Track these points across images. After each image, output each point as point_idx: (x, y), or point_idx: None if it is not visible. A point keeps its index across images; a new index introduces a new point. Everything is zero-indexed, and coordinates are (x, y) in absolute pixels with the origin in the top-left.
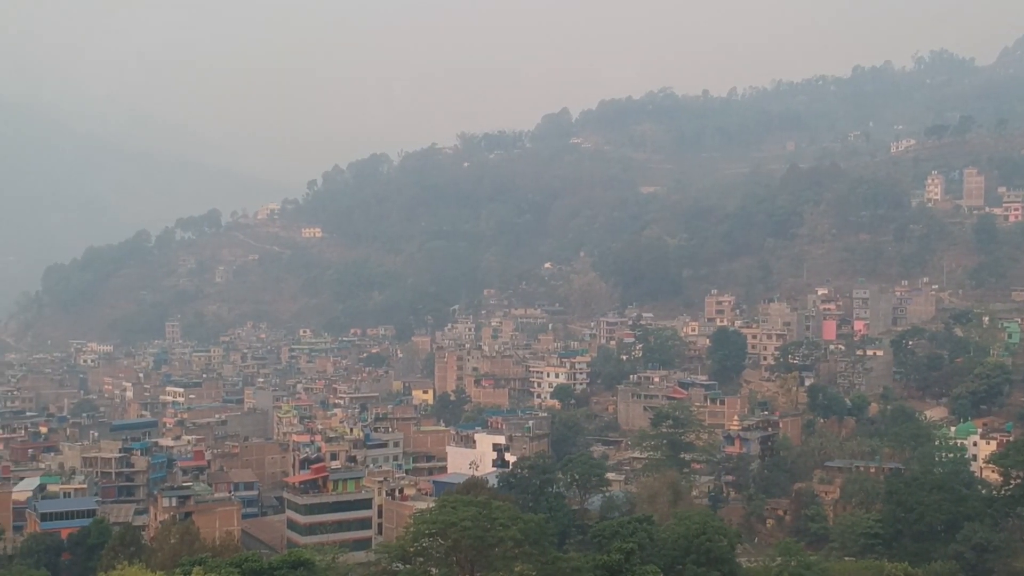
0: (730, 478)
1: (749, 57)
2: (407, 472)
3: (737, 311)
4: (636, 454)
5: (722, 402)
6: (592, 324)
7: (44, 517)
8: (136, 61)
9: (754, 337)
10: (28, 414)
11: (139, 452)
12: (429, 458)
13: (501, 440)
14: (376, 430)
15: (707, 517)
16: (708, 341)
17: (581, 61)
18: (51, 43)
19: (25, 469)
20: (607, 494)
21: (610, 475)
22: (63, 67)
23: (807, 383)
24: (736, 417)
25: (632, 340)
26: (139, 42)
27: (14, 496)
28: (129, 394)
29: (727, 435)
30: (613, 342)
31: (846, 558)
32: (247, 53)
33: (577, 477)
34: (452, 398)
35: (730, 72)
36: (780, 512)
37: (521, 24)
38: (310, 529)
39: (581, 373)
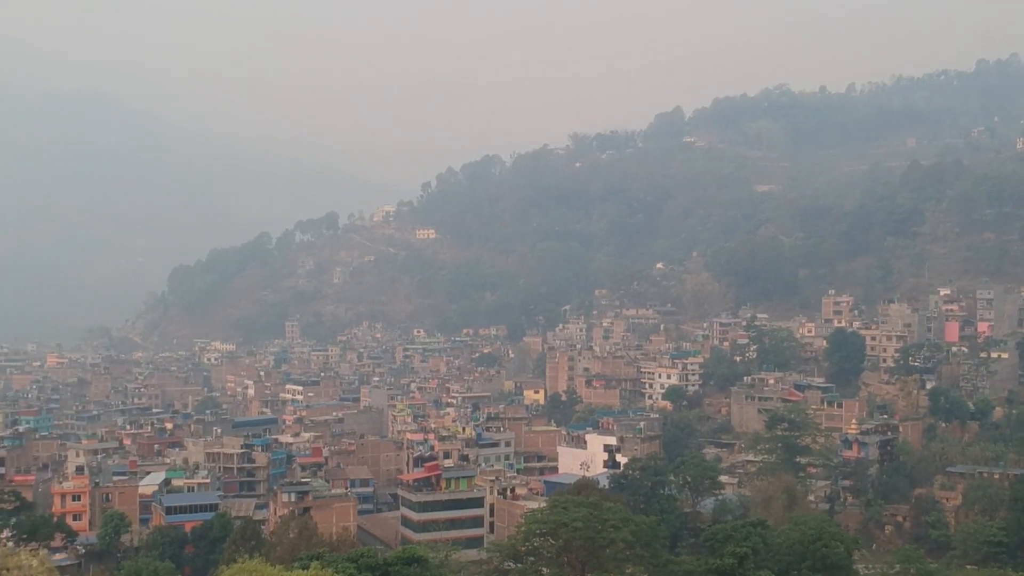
0: (847, 483)
1: (868, 52)
2: (518, 472)
3: (855, 312)
4: (750, 457)
5: (839, 405)
6: (705, 325)
7: (169, 510)
8: (255, 69)
9: (873, 339)
10: (154, 411)
11: (260, 448)
12: (540, 458)
13: (612, 441)
14: (488, 429)
15: (823, 522)
16: (825, 342)
17: (695, 59)
18: (172, 51)
19: (151, 464)
20: (720, 497)
21: (723, 478)
22: (185, 75)
23: (928, 386)
24: (854, 420)
25: (746, 341)
26: (257, 51)
27: (141, 490)
28: (250, 392)
29: (844, 439)
30: (726, 343)
31: (968, 567)
32: (364, 60)
33: (689, 479)
34: (563, 398)
35: (848, 67)
36: (899, 518)
37: (632, 24)
38: (423, 526)
39: (693, 374)
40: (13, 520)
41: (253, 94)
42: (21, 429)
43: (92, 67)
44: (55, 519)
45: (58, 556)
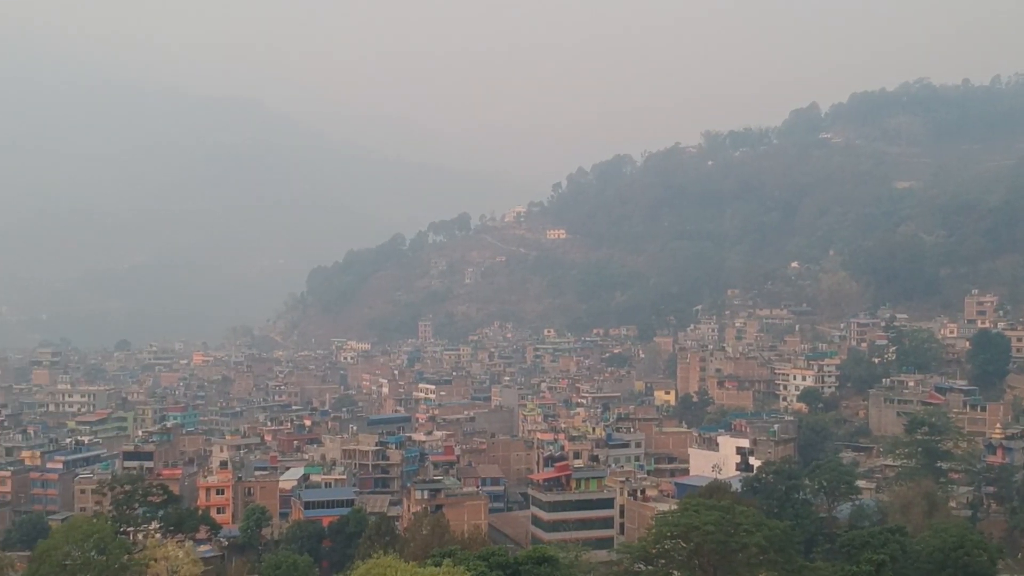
0: (991, 489)
1: (1014, 42)
2: (649, 473)
3: (1000, 312)
4: (888, 461)
5: (983, 408)
6: (842, 325)
7: (307, 505)
8: (392, 75)
9: (1019, 340)
10: (294, 408)
11: (394, 446)
12: (671, 459)
13: (745, 443)
14: (618, 430)
15: (965, 530)
16: (968, 344)
17: (831, 54)
18: (314, 58)
19: (291, 459)
20: (857, 502)
21: (860, 482)
22: (326, 81)
23: None
24: (999, 425)
25: (885, 342)
26: (390, 49)
27: (281, 485)
28: (385, 390)
29: (988, 444)
30: (864, 344)
31: None
32: (495, 64)
33: (825, 484)
34: (694, 399)
35: (993, 59)
36: None
37: (766, 20)
38: (553, 526)
39: (830, 376)
40: (161, 512)
41: (390, 100)
42: (169, 425)
43: (240, 73)
44: (200, 512)
45: (203, 548)
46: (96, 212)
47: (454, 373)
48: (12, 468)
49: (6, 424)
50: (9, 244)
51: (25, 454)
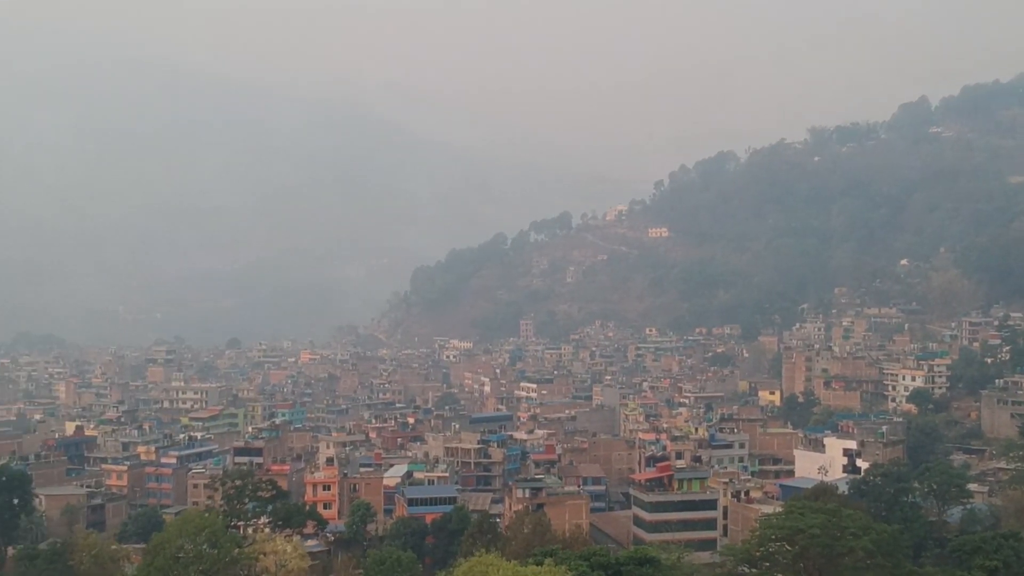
0: None
1: None
2: (753, 474)
3: None
4: (1002, 464)
5: None
6: (953, 324)
7: (411, 502)
8: (489, 76)
9: None
10: (397, 406)
11: (496, 444)
12: (776, 461)
13: (852, 445)
14: (721, 430)
15: None
16: None
17: (940, 47)
18: (417, 64)
19: (395, 457)
20: (968, 506)
21: (972, 486)
22: (428, 85)
23: None
24: None
25: (998, 342)
26: (493, 51)
27: (385, 481)
28: (487, 388)
29: None
30: (976, 344)
31: None
32: (593, 61)
33: (935, 487)
34: (800, 400)
35: None
36: None
37: (873, 11)
38: (655, 526)
39: (940, 376)
40: (270, 507)
41: (489, 101)
42: (277, 421)
43: (348, 79)
44: (307, 507)
45: (310, 542)
46: (209, 212)
47: (555, 372)
48: (129, 463)
49: (123, 420)
50: (127, 244)
51: (141, 449)
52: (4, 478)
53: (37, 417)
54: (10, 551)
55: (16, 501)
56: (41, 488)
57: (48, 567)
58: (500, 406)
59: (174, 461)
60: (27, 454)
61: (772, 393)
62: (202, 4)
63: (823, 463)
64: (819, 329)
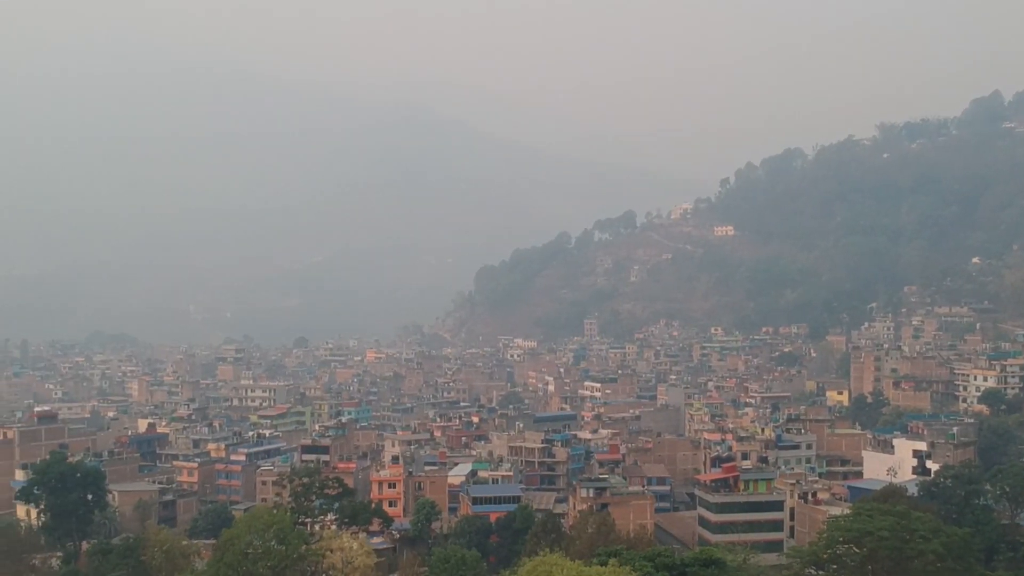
0: None
1: None
2: (820, 475)
3: None
4: None
5: None
6: None
7: (475, 501)
8: (552, 74)
9: None
10: (462, 404)
11: (560, 444)
12: (843, 462)
13: (922, 446)
14: (788, 431)
15: None
16: None
17: (1014, 40)
18: (478, 63)
19: (459, 455)
20: None
21: None
22: (491, 84)
23: None
24: None
25: None
26: (556, 51)
27: (449, 480)
28: (551, 388)
29: None
30: None
31: None
32: (658, 59)
33: (1008, 489)
34: (868, 400)
35: None
36: None
37: (944, 6)
38: (720, 527)
39: (1013, 377)
40: (336, 505)
41: (553, 99)
42: (344, 420)
43: (411, 79)
44: (373, 505)
45: (375, 540)
46: (276, 213)
47: (620, 371)
48: (199, 460)
49: (193, 417)
50: (197, 245)
51: (211, 446)
52: (79, 475)
53: (111, 415)
54: (84, 546)
55: (90, 497)
56: (114, 484)
57: (121, 562)
58: (564, 405)
59: (243, 458)
60: (101, 451)
61: (840, 393)
62: (268, 12)
63: (892, 464)
64: (888, 328)
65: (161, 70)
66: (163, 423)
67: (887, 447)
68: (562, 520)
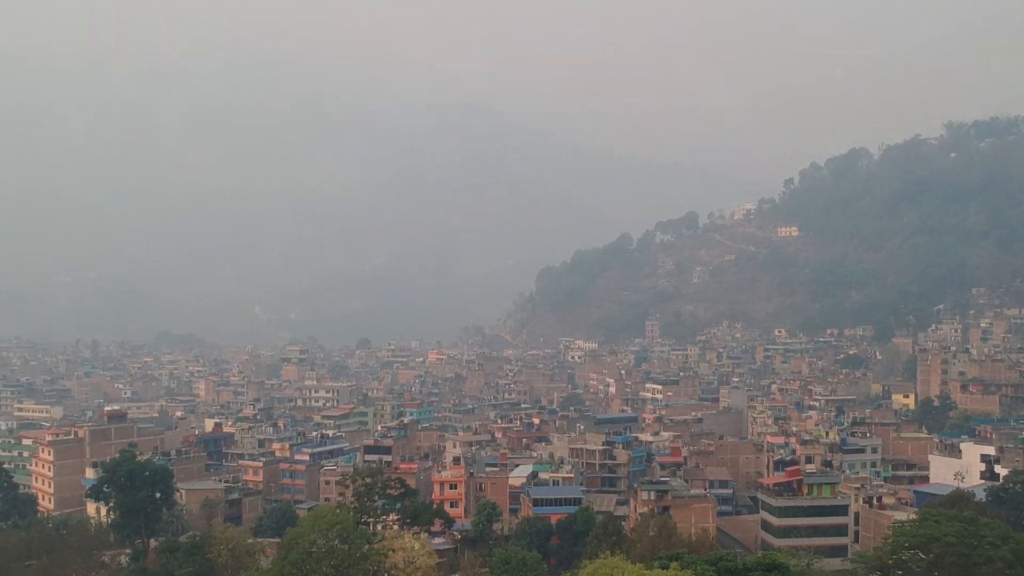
0: None
1: None
2: (886, 480)
3: None
4: None
5: None
6: None
7: (536, 502)
8: (614, 68)
9: None
10: (523, 406)
11: (621, 446)
12: (910, 466)
13: (991, 451)
14: (853, 434)
15: None
16: None
17: None
18: (542, 63)
19: (520, 457)
20: None
21: None
22: (554, 85)
23: None
24: None
25: None
26: (616, 49)
27: (511, 481)
28: (612, 389)
29: None
30: None
31: None
32: (721, 56)
33: None
34: (936, 403)
35: None
36: None
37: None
38: (783, 532)
39: None
40: (398, 505)
41: (617, 99)
42: (406, 420)
43: (472, 79)
44: (435, 505)
45: (437, 540)
46: (340, 215)
47: (681, 373)
48: (264, 459)
49: (259, 417)
50: (263, 247)
51: (276, 446)
52: (147, 473)
53: (178, 414)
54: (152, 543)
55: (158, 495)
56: (182, 483)
57: (188, 559)
58: (625, 407)
59: (307, 458)
60: (169, 450)
61: (906, 396)
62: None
63: (959, 469)
64: (956, 331)
65: (225, 79)
66: (229, 423)
67: (954, 451)
68: (623, 523)
